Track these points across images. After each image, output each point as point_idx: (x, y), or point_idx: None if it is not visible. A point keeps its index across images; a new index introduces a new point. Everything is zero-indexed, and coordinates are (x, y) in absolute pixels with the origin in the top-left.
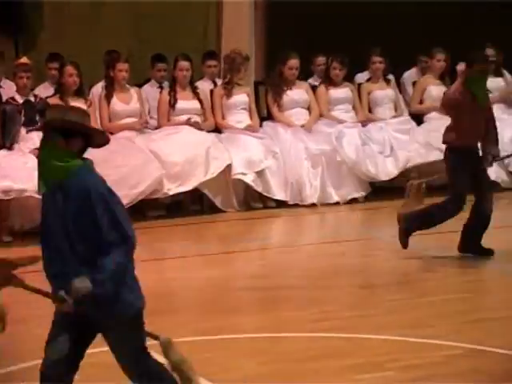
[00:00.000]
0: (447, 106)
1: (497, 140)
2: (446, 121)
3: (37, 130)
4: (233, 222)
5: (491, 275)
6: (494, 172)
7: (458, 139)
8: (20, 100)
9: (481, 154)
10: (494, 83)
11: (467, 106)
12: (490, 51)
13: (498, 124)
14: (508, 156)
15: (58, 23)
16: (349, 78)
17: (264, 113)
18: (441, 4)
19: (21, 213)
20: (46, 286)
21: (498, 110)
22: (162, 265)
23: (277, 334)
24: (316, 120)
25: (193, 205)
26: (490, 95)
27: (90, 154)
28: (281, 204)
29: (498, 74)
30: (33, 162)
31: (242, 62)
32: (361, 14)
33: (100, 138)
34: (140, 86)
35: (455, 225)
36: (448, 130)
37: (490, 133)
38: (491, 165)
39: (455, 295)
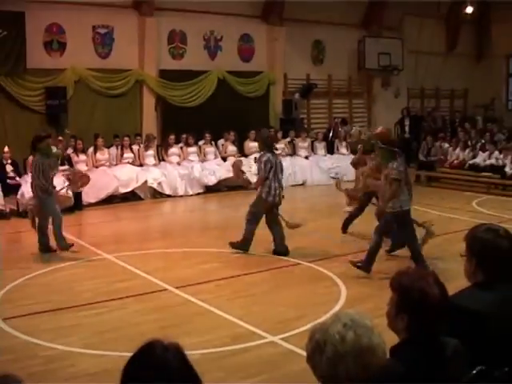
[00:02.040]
0: (358, 164)
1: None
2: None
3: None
4: (149, 204)
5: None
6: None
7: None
8: None
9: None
10: (253, 147)
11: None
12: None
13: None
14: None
15: (75, 123)
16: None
17: (161, 158)
18: (235, 106)
19: None
20: None
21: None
22: (118, 222)
23: (164, 250)
24: (182, 160)
25: (131, 197)
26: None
27: (92, 177)
28: (168, 196)
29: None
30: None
31: (153, 139)
32: (202, 112)
33: None
34: (108, 147)
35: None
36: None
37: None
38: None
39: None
